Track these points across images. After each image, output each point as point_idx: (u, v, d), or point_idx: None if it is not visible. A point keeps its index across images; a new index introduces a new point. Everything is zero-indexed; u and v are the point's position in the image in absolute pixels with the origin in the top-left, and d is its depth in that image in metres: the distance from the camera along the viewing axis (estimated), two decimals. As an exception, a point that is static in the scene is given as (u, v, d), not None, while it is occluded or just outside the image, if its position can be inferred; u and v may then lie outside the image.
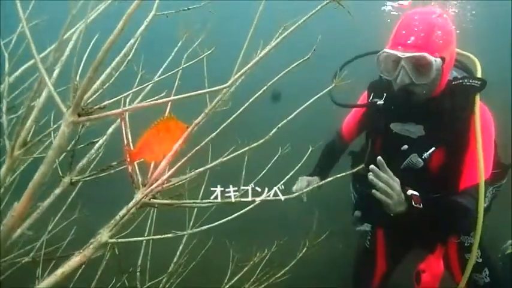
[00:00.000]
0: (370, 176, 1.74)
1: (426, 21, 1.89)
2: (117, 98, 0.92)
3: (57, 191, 1.14)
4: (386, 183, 1.74)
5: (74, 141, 1.19)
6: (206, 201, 1.06)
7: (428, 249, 2.20)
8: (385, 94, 2.10)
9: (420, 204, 1.74)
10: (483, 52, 2.30)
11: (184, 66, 1.07)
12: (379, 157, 1.75)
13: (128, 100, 1.17)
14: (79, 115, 0.84)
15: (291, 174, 1.35)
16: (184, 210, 1.78)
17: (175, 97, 0.84)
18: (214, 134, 1.00)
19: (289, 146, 2.40)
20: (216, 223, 1.14)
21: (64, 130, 0.84)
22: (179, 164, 0.95)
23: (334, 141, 2.58)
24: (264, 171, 1.52)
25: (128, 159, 0.99)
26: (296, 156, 1.39)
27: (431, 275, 2.09)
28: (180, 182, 1.01)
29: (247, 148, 1.05)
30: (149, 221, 1.76)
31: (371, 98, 2.17)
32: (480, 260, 2.22)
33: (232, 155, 1.05)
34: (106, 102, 0.87)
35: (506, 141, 2.17)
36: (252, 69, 0.92)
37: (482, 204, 1.86)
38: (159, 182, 0.93)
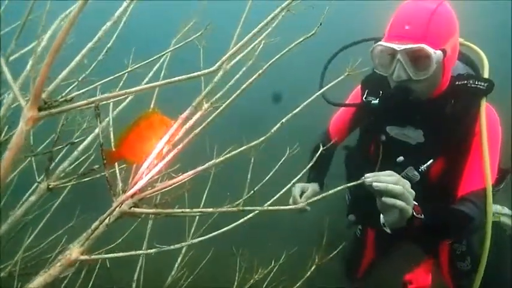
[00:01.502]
0: (376, 184, 1.41)
1: (424, 10, 1.68)
2: (89, 88, 0.78)
3: (33, 198, 1.01)
4: (398, 184, 1.43)
5: (56, 141, 1.06)
6: (197, 210, 0.92)
7: (417, 245, 2.17)
8: (380, 92, 1.90)
9: (421, 215, 1.49)
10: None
11: (172, 49, 0.93)
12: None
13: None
14: (40, 109, 0.70)
15: (297, 178, 1.21)
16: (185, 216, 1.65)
17: (156, 83, 0.69)
18: (199, 130, 0.85)
19: (298, 146, 2.24)
20: (213, 233, 1.00)
21: (22, 127, 0.70)
22: (159, 166, 0.80)
23: (324, 144, 2.37)
24: (271, 173, 1.39)
25: (105, 161, 0.85)
26: (299, 159, 1.25)
27: (418, 287, 1.97)
28: (166, 188, 0.87)
29: (245, 147, 0.90)
30: (148, 228, 1.63)
31: (365, 95, 1.96)
32: (469, 267, 2.12)
33: (228, 155, 0.90)
34: (74, 94, 0.74)
35: (506, 143, 2.00)
36: (243, 52, 0.77)
37: (490, 214, 1.68)
38: (137, 187, 0.78)
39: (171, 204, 0.94)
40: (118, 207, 0.77)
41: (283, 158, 1.46)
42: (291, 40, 1.08)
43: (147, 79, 1.18)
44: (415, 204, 1.49)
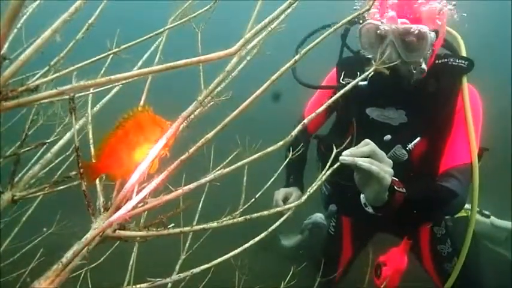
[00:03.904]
0: (344, 152, 1.29)
1: None
2: (60, 74, 0.58)
3: (-8, 212, 0.81)
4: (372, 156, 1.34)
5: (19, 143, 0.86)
6: (199, 227, 0.74)
7: (396, 232, 2.10)
8: (358, 73, 1.88)
9: (403, 189, 1.41)
10: (483, 53, 2.13)
11: (168, 27, 0.74)
12: (344, 154, 1.31)
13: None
14: (-10, 101, 0.51)
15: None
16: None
17: (151, 69, 0.51)
18: (213, 132, 0.66)
19: (304, 145, 2.06)
20: (219, 259, 0.82)
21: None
22: (156, 181, 0.61)
23: (296, 137, 2.30)
24: (271, 180, 1.26)
25: (83, 175, 0.66)
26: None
27: (393, 269, 1.83)
28: (160, 204, 0.68)
29: (259, 154, 0.73)
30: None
31: (342, 77, 1.93)
32: (450, 250, 2.08)
33: (235, 166, 0.72)
34: (39, 82, 0.54)
35: (505, 142, 1.99)
36: (264, 34, 0.60)
37: (476, 188, 1.67)
38: (124, 211, 0.59)
39: (165, 222, 0.76)
40: (101, 233, 0.58)
41: (285, 162, 1.30)
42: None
43: (137, 67, 0.99)
44: (395, 180, 1.40)
